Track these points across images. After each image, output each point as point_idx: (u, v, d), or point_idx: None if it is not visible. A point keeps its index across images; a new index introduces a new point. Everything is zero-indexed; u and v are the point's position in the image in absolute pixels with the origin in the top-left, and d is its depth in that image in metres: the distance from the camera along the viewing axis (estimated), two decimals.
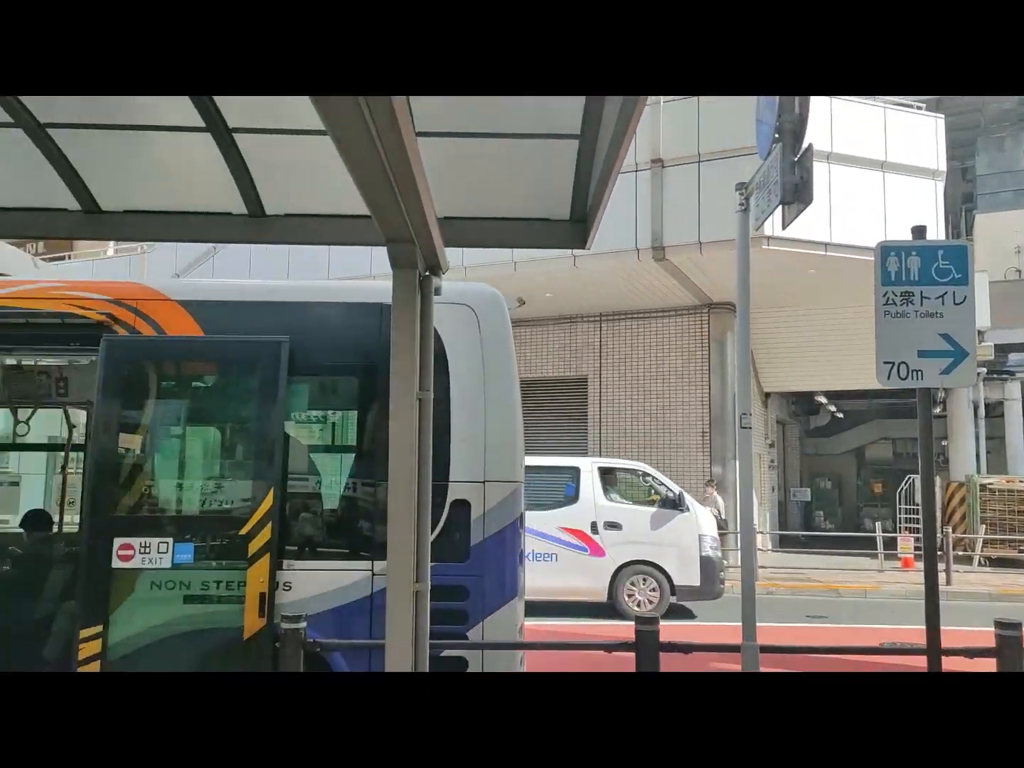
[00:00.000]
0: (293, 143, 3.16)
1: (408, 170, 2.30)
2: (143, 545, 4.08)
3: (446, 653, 3.98)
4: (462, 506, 4.20)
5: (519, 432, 4.44)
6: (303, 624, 3.62)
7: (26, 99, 2.95)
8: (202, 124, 3.03)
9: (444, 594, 3.90)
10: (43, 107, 3.00)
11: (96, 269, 18.12)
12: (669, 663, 4.14)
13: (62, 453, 7.33)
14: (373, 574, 4.11)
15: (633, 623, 4.27)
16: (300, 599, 4.04)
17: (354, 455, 4.51)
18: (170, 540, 4.09)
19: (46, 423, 6.93)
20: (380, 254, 10.94)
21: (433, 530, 3.21)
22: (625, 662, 4.25)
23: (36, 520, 5.88)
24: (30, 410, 6.29)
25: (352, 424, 4.60)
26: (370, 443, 4.36)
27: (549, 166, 3.10)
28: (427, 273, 3.08)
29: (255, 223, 3.55)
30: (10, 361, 5.46)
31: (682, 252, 12.69)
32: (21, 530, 5.89)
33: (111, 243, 19.23)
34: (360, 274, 12.68)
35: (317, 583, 4.12)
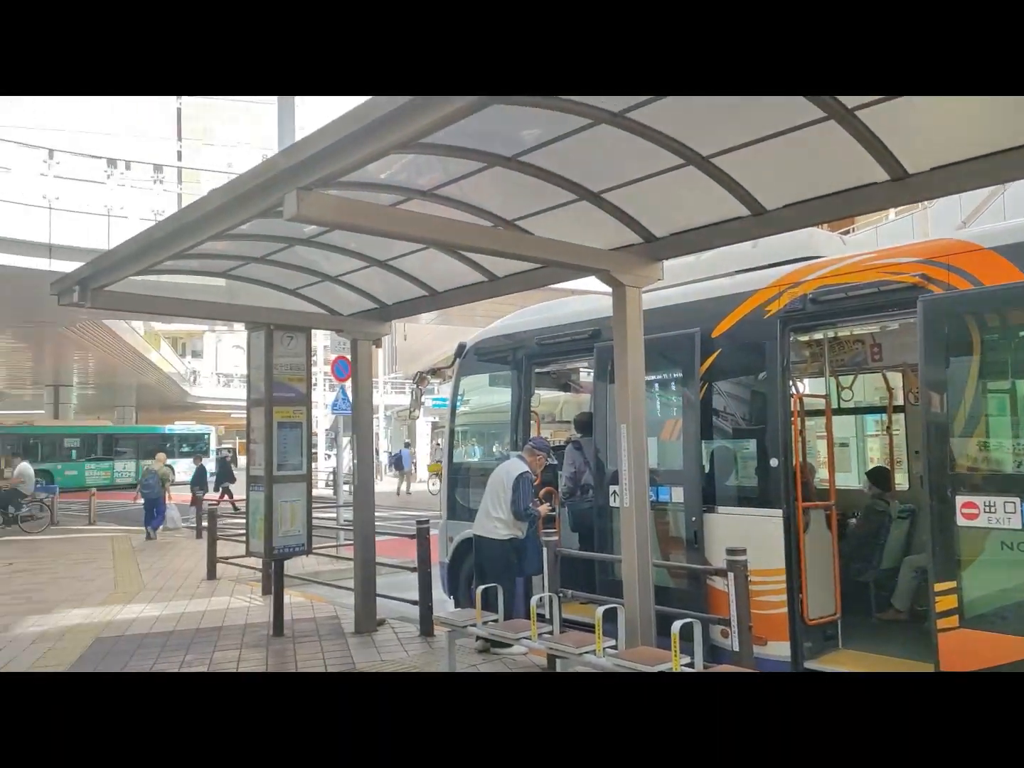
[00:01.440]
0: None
1: None
2: (987, 504, 3.96)
3: None
4: None
5: None
6: None
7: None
8: None
9: None
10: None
11: (880, 235, 18.40)
12: None
13: (872, 415, 7.73)
14: None
15: None
16: None
17: None
18: (1017, 500, 3.87)
19: (860, 387, 7.41)
20: None
21: None
22: None
23: (877, 477, 6.31)
24: (851, 377, 6.82)
25: None
26: None
27: None
28: None
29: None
30: (831, 334, 6.00)
31: None
32: (862, 487, 6.42)
33: (892, 208, 19.25)
34: None
35: None
